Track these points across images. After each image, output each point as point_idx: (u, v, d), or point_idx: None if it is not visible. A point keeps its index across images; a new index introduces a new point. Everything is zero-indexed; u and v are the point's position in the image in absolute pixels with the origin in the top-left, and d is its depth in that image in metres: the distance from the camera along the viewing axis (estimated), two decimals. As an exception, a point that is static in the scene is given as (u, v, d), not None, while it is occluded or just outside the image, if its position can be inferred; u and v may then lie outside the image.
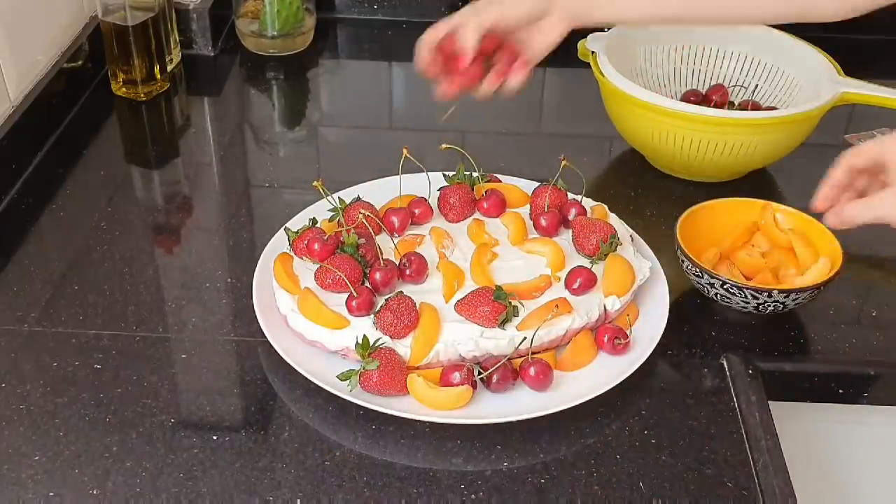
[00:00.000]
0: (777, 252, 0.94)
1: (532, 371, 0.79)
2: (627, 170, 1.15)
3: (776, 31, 1.15)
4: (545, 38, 0.88)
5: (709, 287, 0.88)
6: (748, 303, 0.87)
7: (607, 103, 1.12)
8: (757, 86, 1.18)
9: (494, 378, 0.79)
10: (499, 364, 0.78)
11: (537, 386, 0.79)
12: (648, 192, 1.09)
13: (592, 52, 1.11)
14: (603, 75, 1.08)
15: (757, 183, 1.10)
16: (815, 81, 1.09)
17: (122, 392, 0.81)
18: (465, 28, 0.86)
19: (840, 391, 0.87)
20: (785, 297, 0.86)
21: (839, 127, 1.19)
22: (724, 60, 1.20)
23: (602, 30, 1.12)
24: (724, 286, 0.87)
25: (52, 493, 0.73)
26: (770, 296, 0.86)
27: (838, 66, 1.08)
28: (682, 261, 0.90)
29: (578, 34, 1.14)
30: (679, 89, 1.20)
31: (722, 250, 0.94)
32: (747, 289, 0.86)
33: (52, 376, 0.82)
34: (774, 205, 0.96)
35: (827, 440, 0.93)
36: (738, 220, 0.96)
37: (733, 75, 1.19)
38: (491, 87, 0.90)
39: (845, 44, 1.12)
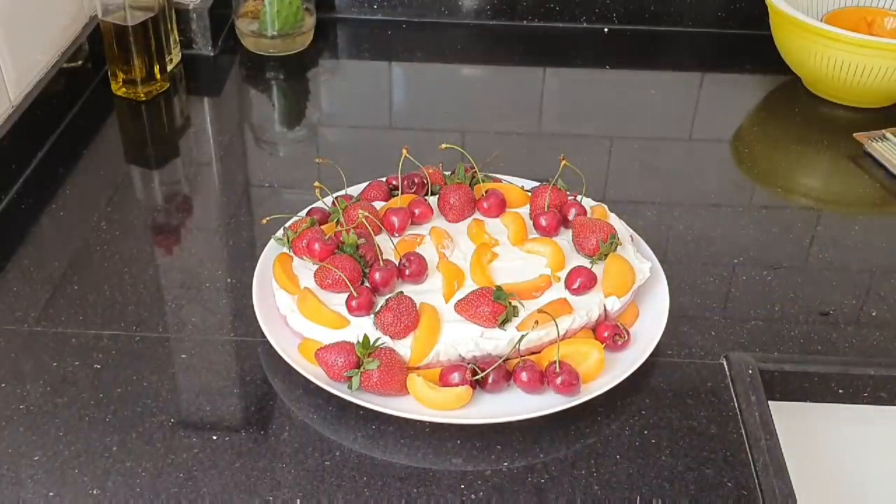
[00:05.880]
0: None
1: (524, 376, 0.79)
2: (628, 170, 1.15)
3: None
4: None
5: None
6: None
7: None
8: None
9: (490, 379, 0.78)
10: (494, 365, 0.78)
11: (529, 390, 0.79)
12: (649, 193, 1.10)
13: None
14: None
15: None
16: None
17: (122, 392, 0.81)
18: None
19: (840, 391, 0.87)
20: None
21: None
22: None
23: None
24: None
25: (52, 493, 0.73)
26: None
27: None
28: None
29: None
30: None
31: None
32: None
33: (52, 376, 0.82)
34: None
35: (827, 440, 0.93)
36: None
37: None
38: None
39: None
